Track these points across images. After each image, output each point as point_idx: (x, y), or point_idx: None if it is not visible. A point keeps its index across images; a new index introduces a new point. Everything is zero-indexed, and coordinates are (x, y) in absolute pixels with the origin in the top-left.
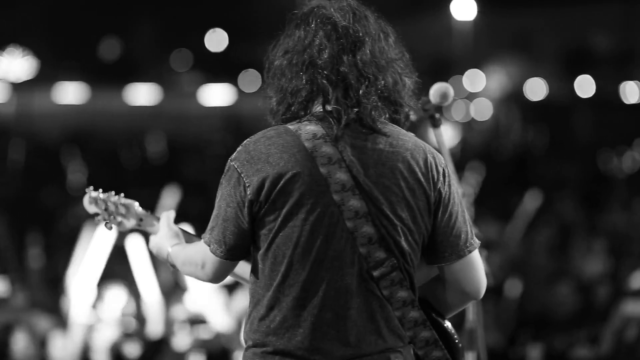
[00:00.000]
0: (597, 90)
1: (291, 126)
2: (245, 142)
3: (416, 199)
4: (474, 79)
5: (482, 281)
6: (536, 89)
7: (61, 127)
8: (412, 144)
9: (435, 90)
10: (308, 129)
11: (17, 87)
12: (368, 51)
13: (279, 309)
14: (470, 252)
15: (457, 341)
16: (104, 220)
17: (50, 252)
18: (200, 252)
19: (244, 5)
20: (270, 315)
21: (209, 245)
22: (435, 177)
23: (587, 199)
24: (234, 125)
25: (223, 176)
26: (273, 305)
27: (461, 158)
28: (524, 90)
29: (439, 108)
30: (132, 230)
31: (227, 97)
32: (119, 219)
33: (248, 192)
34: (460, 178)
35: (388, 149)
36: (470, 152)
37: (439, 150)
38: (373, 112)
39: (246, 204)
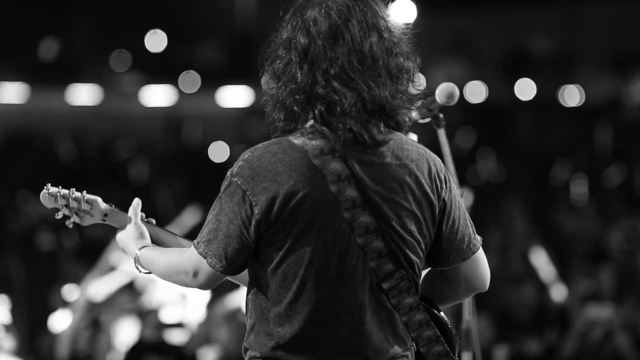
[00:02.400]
0: (537, 93)
1: (295, 140)
2: (246, 156)
3: (423, 211)
4: (416, 82)
5: (487, 275)
6: (476, 92)
7: (2, 127)
8: (415, 154)
9: (442, 90)
10: (314, 144)
11: None
12: (355, 59)
13: (291, 325)
14: (474, 253)
15: (452, 330)
16: (65, 216)
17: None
18: (191, 261)
19: (184, 6)
20: (280, 330)
21: (206, 258)
22: (439, 186)
23: (533, 202)
24: (175, 126)
25: (223, 190)
26: (283, 322)
27: None
28: (464, 92)
29: (443, 108)
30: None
31: (168, 97)
32: (82, 214)
33: (256, 212)
34: None
35: (395, 162)
36: None
37: (441, 152)
38: (370, 125)
39: (252, 223)
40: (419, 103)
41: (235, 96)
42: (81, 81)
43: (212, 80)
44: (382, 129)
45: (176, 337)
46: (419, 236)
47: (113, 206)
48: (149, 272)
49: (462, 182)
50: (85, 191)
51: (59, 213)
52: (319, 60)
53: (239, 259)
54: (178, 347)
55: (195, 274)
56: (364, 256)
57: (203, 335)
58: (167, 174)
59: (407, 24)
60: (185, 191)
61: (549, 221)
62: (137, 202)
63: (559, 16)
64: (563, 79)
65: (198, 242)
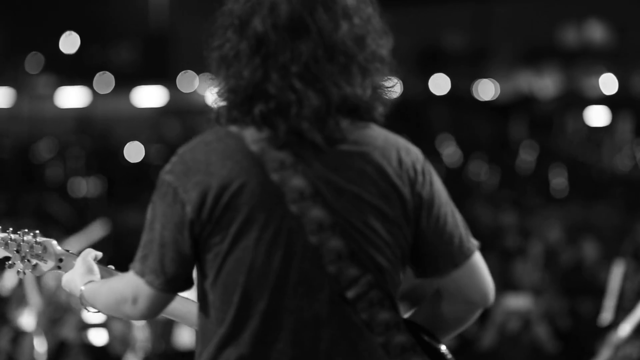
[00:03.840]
0: (451, 87)
1: (233, 129)
2: (180, 150)
3: (390, 206)
4: None
5: (488, 286)
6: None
7: None
8: (382, 141)
9: None
10: (253, 130)
11: None
12: (323, 56)
13: (235, 346)
14: (467, 257)
15: None
16: (14, 264)
17: None
18: (129, 286)
19: (97, 8)
20: (224, 354)
21: (143, 277)
22: (413, 177)
23: (450, 194)
24: (90, 127)
25: (155, 192)
26: (227, 343)
27: None
28: None
29: None
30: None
31: (83, 98)
32: (34, 261)
33: (187, 211)
34: None
35: (353, 148)
36: None
37: None
38: (329, 127)
39: (186, 225)
40: (396, 92)
41: (149, 96)
42: None
43: (127, 81)
44: (347, 125)
45: (97, 338)
46: (387, 236)
47: (69, 251)
48: (98, 311)
49: None
50: (37, 232)
51: (9, 262)
52: (276, 54)
53: (179, 272)
54: (100, 348)
55: (134, 300)
56: (319, 259)
57: (124, 336)
58: (83, 175)
59: None
60: (102, 191)
61: (465, 214)
62: (91, 250)
63: (472, 12)
64: (477, 74)
65: (134, 261)
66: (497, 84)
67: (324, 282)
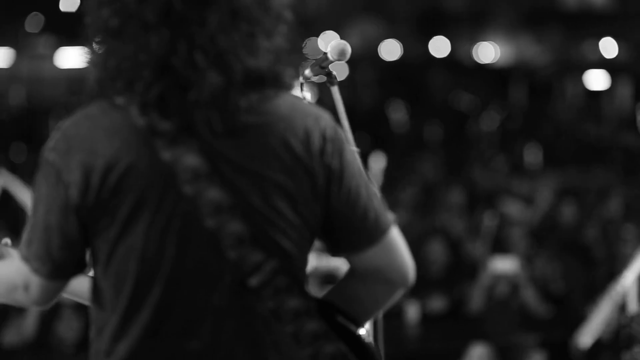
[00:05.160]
0: (451, 50)
1: (119, 100)
2: (62, 125)
3: (297, 183)
4: (329, 41)
5: (406, 264)
6: (391, 50)
7: None
8: (286, 109)
9: (333, 48)
10: (141, 104)
11: None
12: (227, 23)
13: (127, 339)
14: (383, 232)
15: (370, 345)
16: None
17: None
18: (19, 273)
19: None
20: (116, 349)
21: (29, 263)
22: (320, 147)
23: (448, 158)
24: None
25: (39, 172)
26: (119, 336)
27: None
28: (379, 51)
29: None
30: None
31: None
32: None
33: (72, 193)
34: None
35: (254, 120)
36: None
37: (335, 111)
38: (229, 109)
39: (71, 209)
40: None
41: None
42: None
43: None
44: (255, 98)
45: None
46: (293, 217)
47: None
48: None
49: (376, 139)
50: None
51: None
52: (186, 22)
53: (67, 258)
54: None
55: (26, 288)
56: (217, 244)
57: None
58: None
59: None
60: None
61: (464, 177)
62: None
63: None
64: (477, 37)
65: (21, 245)
66: (498, 47)
67: (223, 269)
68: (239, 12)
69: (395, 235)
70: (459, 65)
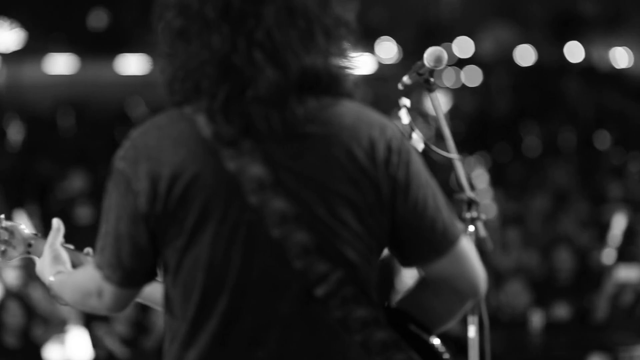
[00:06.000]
0: (586, 55)
1: (187, 110)
2: (132, 134)
3: (361, 193)
4: (464, 46)
5: (477, 275)
6: (525, 55)
7: (52, 98)
8: (351, 119)
9: (429, 54)
10: (207, 112)
11: (7, 59)
12: (285, 20)
13: (195, 348)
14: (452, 244)
15: (443, 355)
16: None
17: (46, 224)
18: (93, 279)
19: None
20: (185, 357)
21: (101, 270)
22: (385, 158)
23: (582, 166)
24: None
25: (110, 180)
26: (188, 344)
27: (454, 125)
28: (513, 56)
29: (432, 72)
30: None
31: None
32: (2, 247)
33: (141, 202)
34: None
35: (318, 130)
36: (462, 119)
37: (434, 116)
38: (289, 109)
39: (141, 218)
40: (359, 59)
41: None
42: (130, 51)
43: None
44: (313, 104)
45: None
46: (358, 227)
47: (39, 235)
48: (67, 303)
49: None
50: (2, 216)
51: None
52: (244, 17)
53: (137, 266)
54: None
55: (99, 294)
56: (283, 254)
57: None
58: None
59: None
60: None
61: (595, 186)
62: (57, 224)
63: None
64: (612, 41)
65: (95, 253)
66: (632, 52)
67: (290, 279)
68: (295, 8)
69: (465, 246)
70: (594, 70)
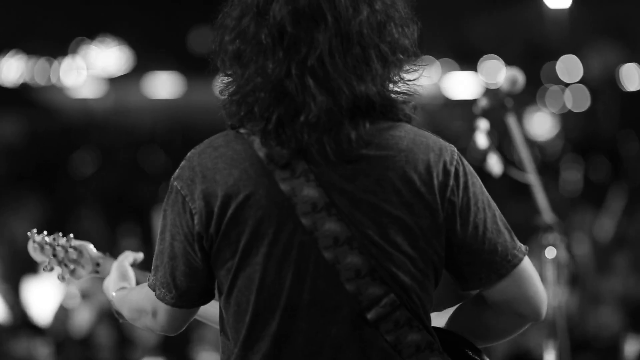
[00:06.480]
0: None
1: (243, 131)
2: (189, 154)
3: (416, 218)
4: (570, 66)
5: (539, 297)
6: (631, 76)
7: (156, 120)
8: (408, 142)
9: (506, 78)
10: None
11: (113, 81)
12: (339, 47)
13: None
14: (514, 266)
15: None
16: (52, 268)
17: (146, 243)
18: (149, 298)
19: None
20: None
21: (154, 290)
22: (442, 182)
23: None
24: None
25: (166, 199)
26: None
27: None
28: (619, 77)
29: (510, 95)
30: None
31: None
32: (72, 266)
33: (195, 222)
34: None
35: (373, 153)
36: (568, 145)
37: (511, 140)
38: (344, 134)
39: (195, 237)
40: (423, 84)
41: None
42: None
43: None
44: (369, 127)
45: None
46: (411, 251)
47: (107, 254)
48: (126, 320)
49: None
50: (71, 235)
51: (47, 266)
52: (298, 43)
53: (191, 286)
54: None
55: (154, 314)
56: (336, 276)
57: None
58: None
59: None
60: None
61: None
62: (129, 253)
63: None
64: None
65: (151, 273)
66: None
67: (342, 301)
68: (350, 35)
69: (527, 268)
70: None
